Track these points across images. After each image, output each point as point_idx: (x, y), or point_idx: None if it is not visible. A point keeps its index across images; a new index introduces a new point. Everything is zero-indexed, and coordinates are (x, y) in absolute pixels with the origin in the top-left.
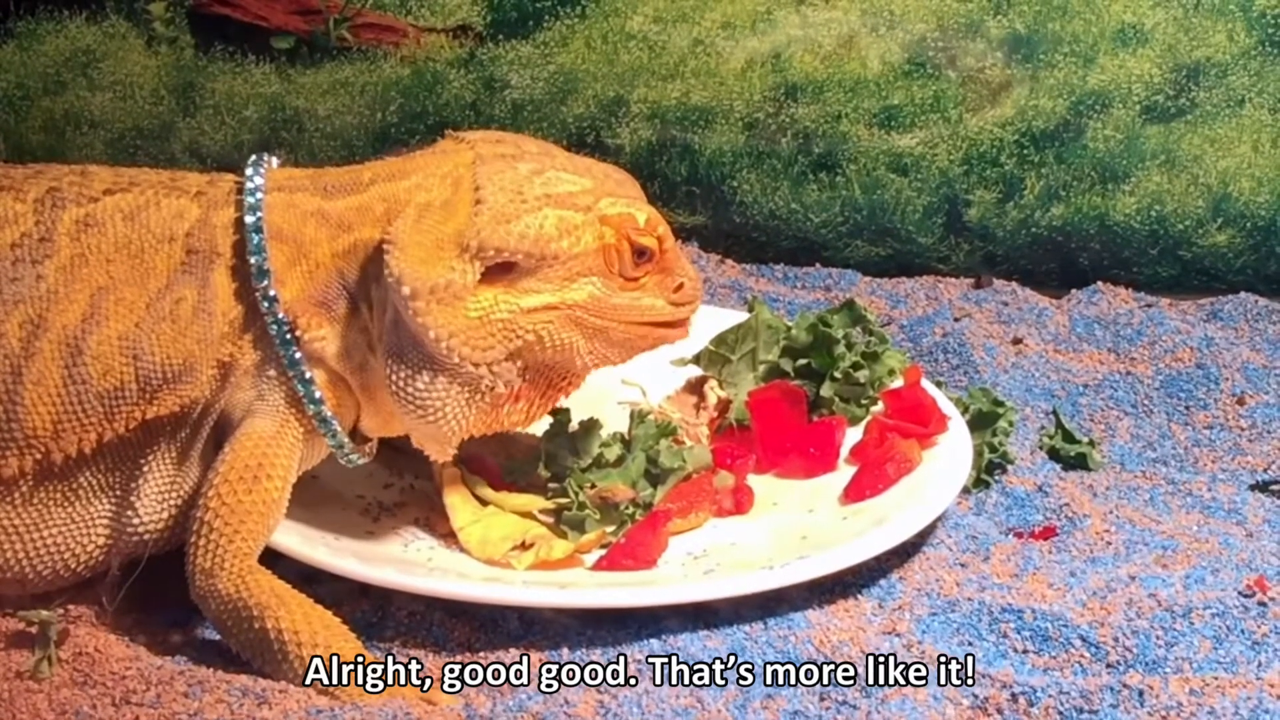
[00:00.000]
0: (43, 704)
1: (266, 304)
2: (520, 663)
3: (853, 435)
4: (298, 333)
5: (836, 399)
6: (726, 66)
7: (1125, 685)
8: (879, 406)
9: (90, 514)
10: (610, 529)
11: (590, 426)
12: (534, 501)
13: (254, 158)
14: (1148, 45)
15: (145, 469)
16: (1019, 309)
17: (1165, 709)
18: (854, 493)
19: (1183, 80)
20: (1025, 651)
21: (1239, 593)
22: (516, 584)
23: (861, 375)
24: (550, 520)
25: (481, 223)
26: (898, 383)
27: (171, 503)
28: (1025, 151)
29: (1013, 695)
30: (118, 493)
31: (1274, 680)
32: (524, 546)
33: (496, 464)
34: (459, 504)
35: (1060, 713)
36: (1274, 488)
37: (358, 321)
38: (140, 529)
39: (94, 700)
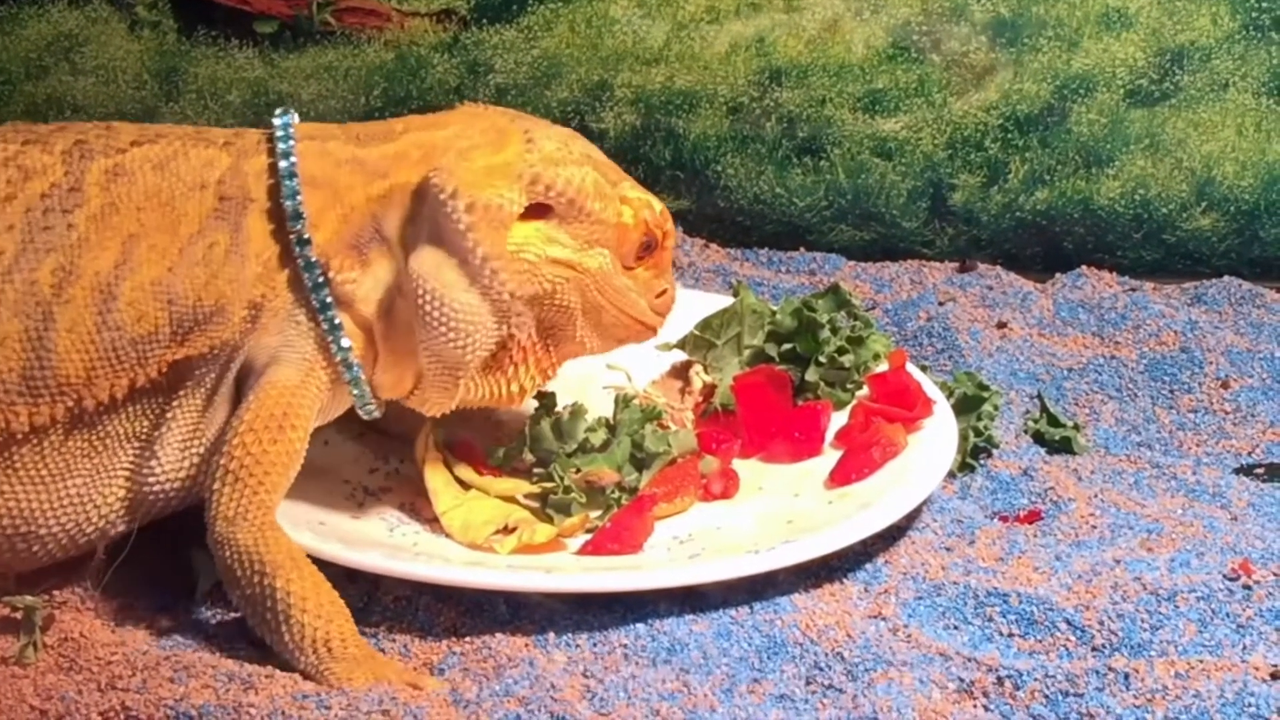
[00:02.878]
0: (28, 689)
1: (300, 246)
2: (506, 647)
3: (838, 419)
4: (330, 274)
5: (821, 383)
6: (711, 51)
7: (1111, 668)
8: (864, 391)
9: (114, 464)
10: (595, 514)
11: (576, 411)
12: (519, 486)
13: (280, 110)
14: (1132, 29)
15: (170, 416)
16: (1003, 293)
17: (1150, 692)
18: (839, 477)
19: (1167, 64)
20: (1011, 635)
21: (1224, 576)
22: (502, 568)
23: (846, 360)
24: (534, 505)
25: (534, 158)
26: (883, 367)
27: (193, 451)
28: (1009, 135)
29: (998, 679)
30: (142, 441)
31: (1258, 663)
32: (506, 531)
33: (482, 448)
34: (441, 489)
35: (1046, 696)
36: (1258, 471)
37: (389, 266)
38: (161, 480)
39: (79, 685)
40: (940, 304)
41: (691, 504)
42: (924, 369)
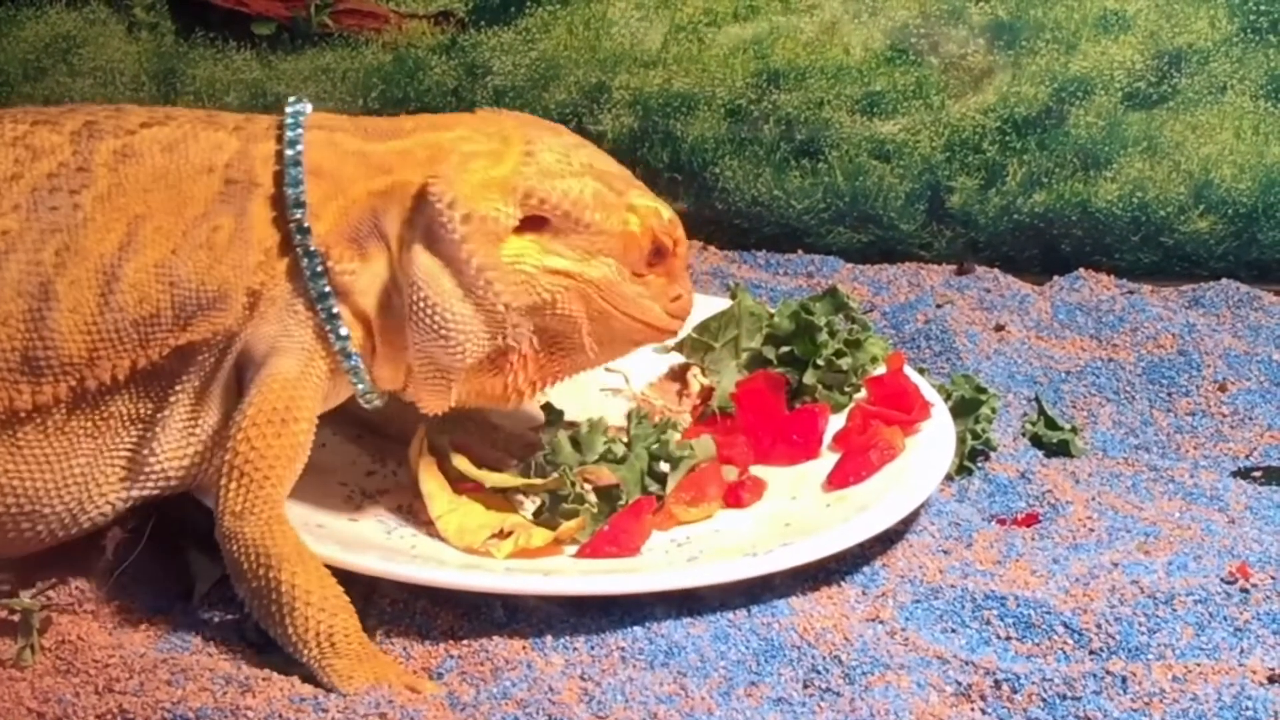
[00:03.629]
0: (25, 692)
1: (300, 235)
2: (504, 650)
3: (835, 422)
4: (329, 263)
5: (819, 386)
6: (709, 53)
7: (1108, 672)
8: (862, 393)
9: (116, 445)
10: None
11: (595, 425)
12: (514, 479)
13: (293, 98)
14: (1129, 32)
15: (172, 400)
16: (1001, 295)
17: (1148, 695)
18: (837, 480)
19: (1164, 67)
20: (1008, 638)
21: (1221, 579)
22: (499, 571)
23: (844, 363)
24: (537, 500)
25: (530, 171)
26: (880, 370)
27: (194, 437)
28: (1007, 138)
29: (996, 682)
30: (144, 424)
31: (1256, 666)
32: (502, 535)
33: (478, 453)
34: (436, 493)
35: (1043, 699)
36: (1256, 474)
37: (386, 261)
38: (161, 463)
39: (77, 688)
40: (938, 306)
41: (717, 509)
42: (922, 371)
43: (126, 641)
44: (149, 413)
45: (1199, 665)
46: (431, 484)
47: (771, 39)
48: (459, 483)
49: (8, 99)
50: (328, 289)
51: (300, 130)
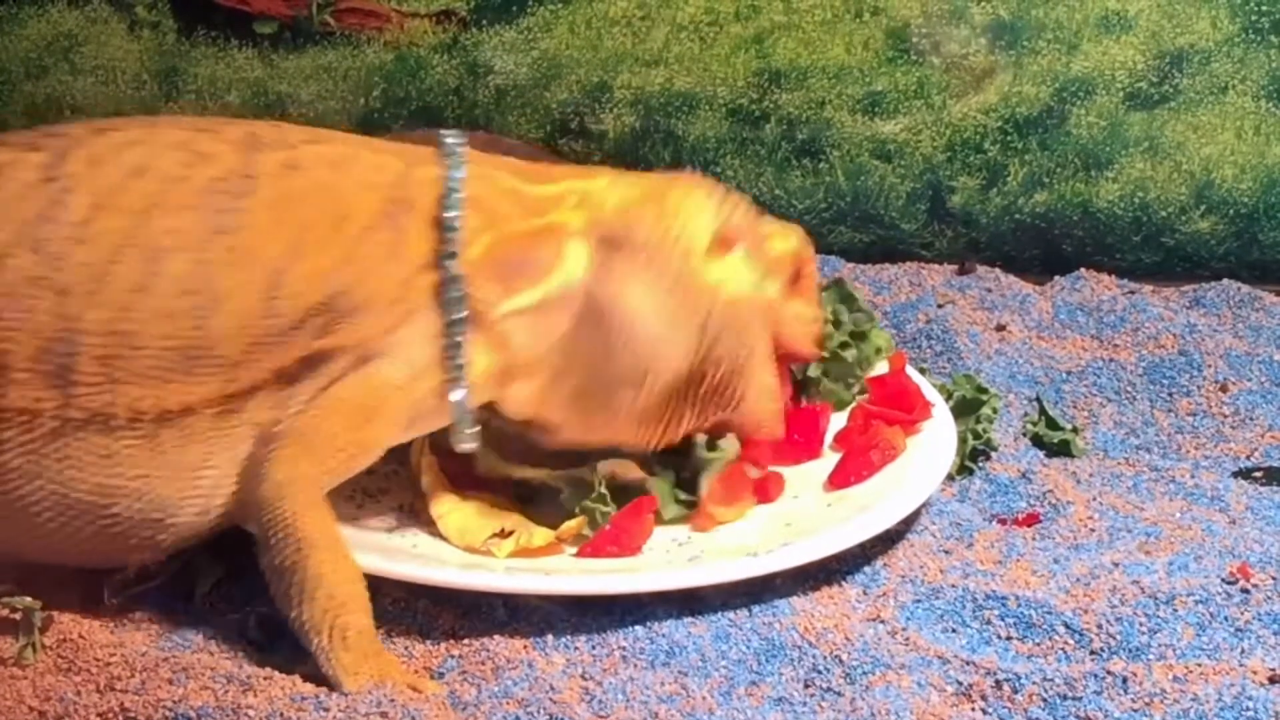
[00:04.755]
0: (27, 690)
1: (448, 259)
2: (505, 649)
3: (837, 421)
4: (470, 289)
5: (824, 379)
6: (710, 52)
7: (1109, 672)
8: (863, 393)
9: (239, 453)
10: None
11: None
12: (539, 471)
13: (451, 132)
14: (1131, 32)
15: (290, 407)
16: (1002, 295)
17: (1149, 696)
18: (838, 479)
19: (1166, 67)
20: (1009, 638)
21: (1222, 580)
22: (500, 570)
23: (850, 355)
24: (559, 491)
25: (721, 205)
26: (883, 365)
27: None
28: (1009, 138)
29: (996, 682)
30: (260, 430)
31: (1257, 667)
32: (503, 534)
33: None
34: (437, 492)
35: (1044, 699)
36: (1257, 474)
37: (536, 294)
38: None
39: (78, 687)
40: (939, 306)
41: (751, 507)
42: (923, 371)
43: (128, 640)
44: (268, 420)
45: (1199, 665)
46: (433, 483)
47: (773, 38)
48: (463, 480)
49: (9, 97)
50: (463, 314)
51: (463, 157)
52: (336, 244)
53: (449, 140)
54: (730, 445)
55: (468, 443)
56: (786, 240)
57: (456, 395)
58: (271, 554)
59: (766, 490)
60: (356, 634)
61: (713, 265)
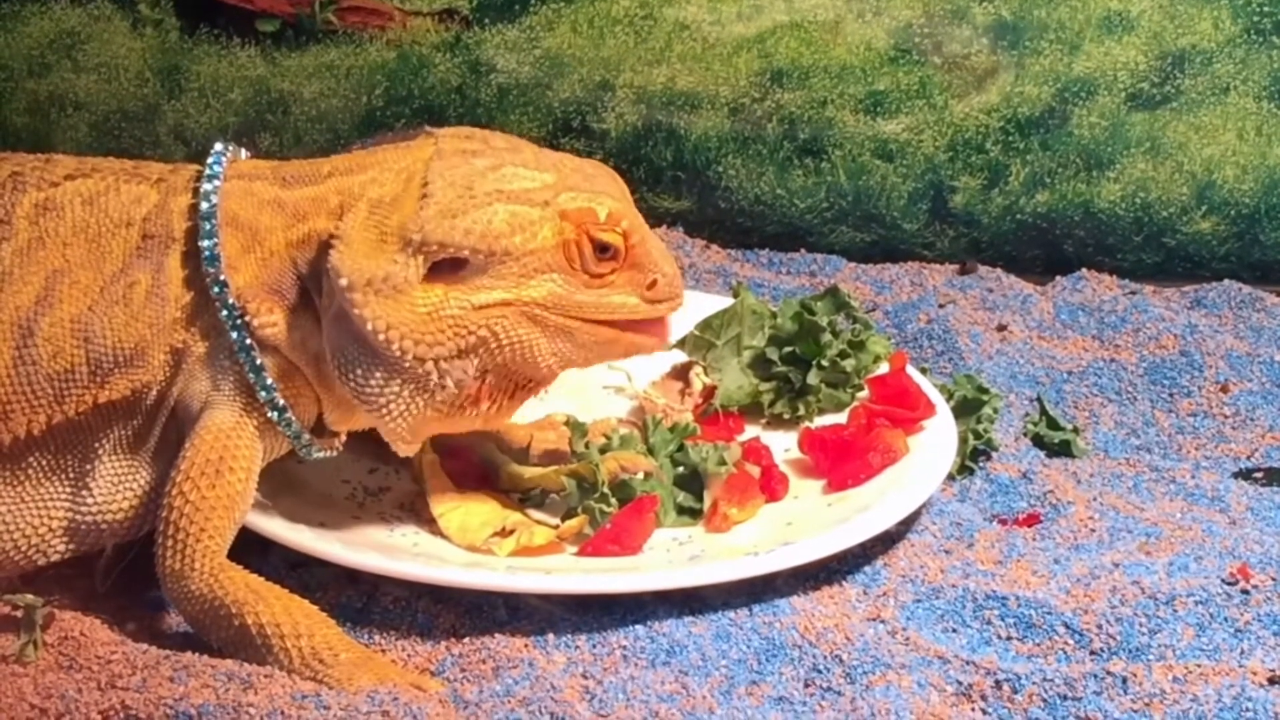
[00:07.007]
0: (28, 688)
1: (217, 289)
2: (506, 648)
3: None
4: (248, 318)
5: (823, 386)
6: (712, 51)
7: (1109, 672)
8: (864, 393)
9: (42, 495)
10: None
11: (628, 438)
12: (544, 470)
13: (219, 146)
14: (1133, 32)
15: (98, 454)
16: (1003, 295)
17: (1148, 696)
18: (839, 480)
19: (1168, 68)
20: (1009, 638)
21: (1222, 580)
22: (501, 569)
23: (848, 364)
24: (567, 488)
25: (425, 216)
26: (883, 369)
27: (130, 490)
28: (1010, 138)
29: (996, 682)
30: (70, 476)
31: (1256, 668)
32: (504, 533)
33: (478, 455)
34: (438, 490)
35: (1044, 700)
36: (1257, 475)
37: (311, 311)
38: (96, 515)
39: (79, 684)
40: (940, 306)
41: (761, 504)
42: (924, 371)
43: (129, 637)
44: (75, 465)
45: (1199, 666)
46: (434, 481)
47: (775, 38)
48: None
49: (12, 94)
50: (249, 341)
51: (217, 181)
52: (93, 288)
53: (210, 159)
54: (731, 452)
55: (318, 453)
56: (579, 221)
57: (281, 415)
58: (214, 634)
59: (773, 488)
60: (330, 651)
61: (431, 292)
